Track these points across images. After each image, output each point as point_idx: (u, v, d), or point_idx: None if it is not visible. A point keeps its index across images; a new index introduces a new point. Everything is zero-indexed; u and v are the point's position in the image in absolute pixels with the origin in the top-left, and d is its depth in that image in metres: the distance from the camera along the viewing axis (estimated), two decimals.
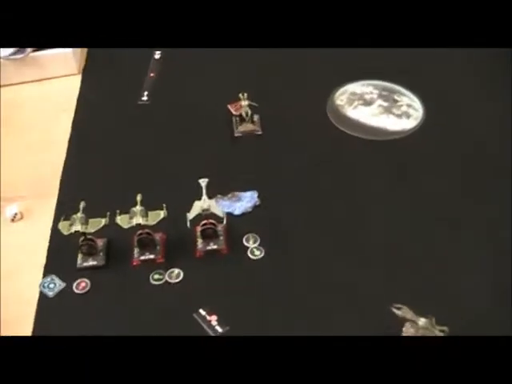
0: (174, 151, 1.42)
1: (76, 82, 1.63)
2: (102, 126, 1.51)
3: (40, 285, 1.17)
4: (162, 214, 1.19)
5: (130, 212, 1.18)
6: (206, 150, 1.41)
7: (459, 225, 1.24)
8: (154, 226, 1.19)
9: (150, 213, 1.18)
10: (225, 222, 1.20)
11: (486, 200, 1.28)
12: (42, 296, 1.16)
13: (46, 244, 1.24)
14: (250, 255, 1.21)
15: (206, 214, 1.18)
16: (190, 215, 1.18)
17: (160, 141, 1.45)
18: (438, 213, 1.26)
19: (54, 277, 1.18)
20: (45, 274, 1.19)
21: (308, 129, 1.45)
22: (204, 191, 1.18)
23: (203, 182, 1.19)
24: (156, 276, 1.18)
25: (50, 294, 1.16)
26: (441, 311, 1.04)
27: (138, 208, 1.17)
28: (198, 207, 1.18)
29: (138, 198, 1.18)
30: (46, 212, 1.29)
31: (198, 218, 1.19)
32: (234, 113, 1.46)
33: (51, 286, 1.17)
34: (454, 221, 1.24)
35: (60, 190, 1.34)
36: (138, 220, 1.16)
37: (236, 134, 1.44)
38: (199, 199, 1.18)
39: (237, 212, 1.28)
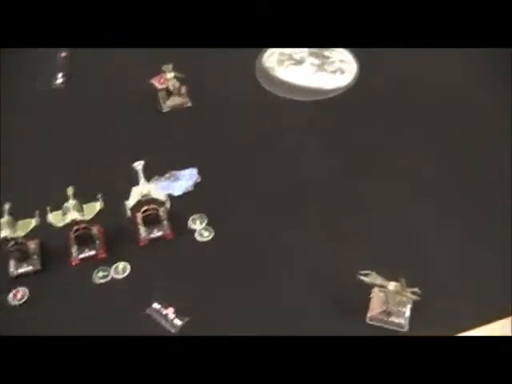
0: (100, 136, 1.31)
1: None
2: (18, 116, 1.37)
3: None
4: (98, 205, 1.09)
5: (63, 208, 1.07)
6: (134, 130, 1.31)
7: (415, 184, 1.19)
8: (90, 220, 1.09)
9: (84, 206, 1.08)
10: (168, 205, 1.11)
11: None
12: None
13: None
14: (198, 237, 1.12)
15: (146, 200, 1.09)
16: (130, 203, 1.08)
17: (83, 127, 1.33)
18: (385, 168, 1.21)
19: None
20: None
21: (240, 96, 1.36)
22: (141, 175, 1.09)
23: (138, 165, 1.10)
24: (100, 273, 1.08)
25: None
26: (410, 274, 0.99)
27: (71, 202, 1.07)
28: (137, 193, 1.08)
29: (70, 191, 1.07)
30: None
31: (138, 204, 1.10)
32: (159, 87, 1.35)
33: None
34: (407, 177, 1.20)
35: None
36: (73, 216, 1.06)
37: (164, 110, 1.34)
38: (137, 184, 1.09)
39: (177, 192, 1.19)
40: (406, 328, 0.99)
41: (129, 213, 1.08)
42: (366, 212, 1.15)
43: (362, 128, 1.28)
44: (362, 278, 0.99)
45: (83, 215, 1.07)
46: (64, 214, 1.07)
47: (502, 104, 1.23)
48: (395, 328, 0.99)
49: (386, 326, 1.00)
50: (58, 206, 1.08)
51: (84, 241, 1.10)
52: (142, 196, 1.07)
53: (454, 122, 1.26)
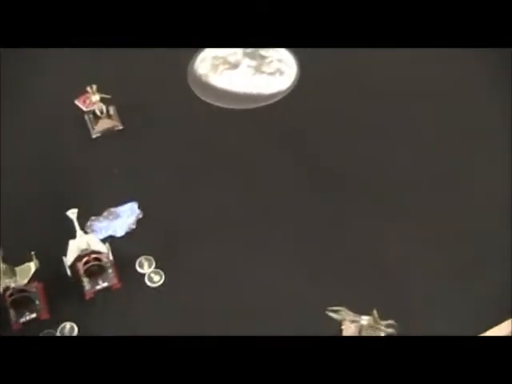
0: (21, 174, 1.16)
1: None
2: None
3: None
4: (32, 265, 0.98)
5: None
6: (61, 163, 1.18)
7: (377, 196, 1.11)
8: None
9: (17, 269, 0.97)
10: (111, 257, 1.01)
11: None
12: None
13: None
14: (148, 283, 1.03)
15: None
16: (68, 260, 0.98)
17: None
18: (345, 180, 1.13)
19: None
20: None
21: (175, 110, 1.25)
22: (77, 226, 0.98)
23: (72, 213, 0.99)
24: None
25: None
26: (382, 306, 0.92)
27: (1, 266, 0.95)
28: (74, 248, 0.97)
29: None
30: None
31: (78, 258, 0.99)
32: (84, 109, 1.23)
33: None
34: (366, 188, 1.12)
35: None
36: (5, 283, 0.95)
37: (94, 135, 1.22)
38: (73, 237, 0.98)
39: (119, 233, 1.08)
40: None
41: (69, 271, 0.98)
42: (334, 234, 1.07)
43: (316, 136, 1.19)
44: (331, 314, 0.92)
45: (16, 280, 0.95)
46: None
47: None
48: None
49: None
50: None
51: (22, 304, 0.99)
52: (81, 251, 0.97)
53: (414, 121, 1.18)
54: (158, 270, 1.03)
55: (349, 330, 0.94)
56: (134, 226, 1.09)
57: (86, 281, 1.02)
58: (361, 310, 0.92)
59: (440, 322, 0.95)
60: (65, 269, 1.00)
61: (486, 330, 0.93)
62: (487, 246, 1.03)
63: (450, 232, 1.05)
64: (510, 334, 0.93)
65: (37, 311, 1.00)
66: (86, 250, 0.97)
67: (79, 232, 0.97)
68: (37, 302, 1.00)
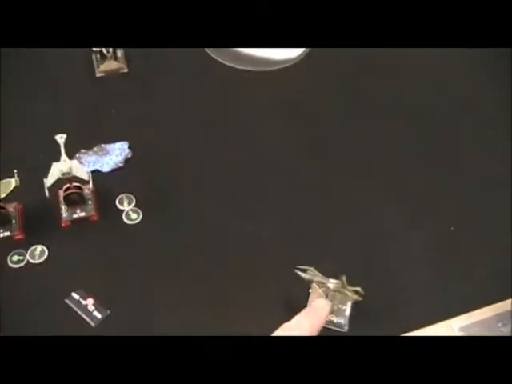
0: (19, 100, 1.16)
1: None
2: None
3: None
4: (13, 182, 0.98)
5: None
6: (62, 96, 1.18)
7: (365, 168, 1.11)
8: (5, 198, 0.98)
9: None
10: (91, 185, 1.01)
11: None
12: None
13: None
14: (125, 219, 1.03)
15: (67, 178, 0.99)
16: (48, 181, 0.97)
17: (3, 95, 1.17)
18: (341, 152, 1.12)
19: None
20: None
21: (183, 63, 1.24)
22: (63, 150, 0.98)
23: (61, 138, 0.98)
24: (15, 257, 0.98)
25: None
26: (352, 272, 0.92)
27: None
28: (56, 171, 0.97)
29: None
30: None
31: (60, 182, 0.99)
32: (93, 48, 1.23)
33: None
34: (360, 162, 1.12)
35: None
36: None
37: (98, 75, 1.22)
38: (58, 160, 0.98)
39: (106, 169, 1.08)
40: (346, 328, 0.92)
41: (47, 193, 0.98)
42: (322, 199, 1.07)
43: (331, 103, 1.19)
44: (300, 273, 0.92)
45: None
46: None
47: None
48: (334, 328, 0.92)
49: (325, 326, 0.92)
50: None
51: None
52: (63, 174, 0.97)
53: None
54: (137, 209, 1.03)
55: (315, 292, 0.94)
56: (121, 164, 1.09)
57: (64, 208, 1.02)
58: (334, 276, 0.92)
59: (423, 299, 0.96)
60: (44, 193, 1.00)
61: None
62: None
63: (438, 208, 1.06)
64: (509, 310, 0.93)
65: (12, 230, 1.00)
66: (68, 173, 0.97)
67: (64, 157, 0.97)
68: (13, 222, 1.01)
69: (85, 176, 0.98)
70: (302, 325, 0.64)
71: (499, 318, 0.96)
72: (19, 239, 1.00)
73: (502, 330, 0.95)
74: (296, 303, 0.91)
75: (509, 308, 0.96)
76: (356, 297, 0.91)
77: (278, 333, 0.62)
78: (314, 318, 0.65)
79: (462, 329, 0.94)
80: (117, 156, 1.09)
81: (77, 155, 1.09)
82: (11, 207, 1.01)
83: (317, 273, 0.91)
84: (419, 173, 1.10)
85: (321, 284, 0.91)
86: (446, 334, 0.93)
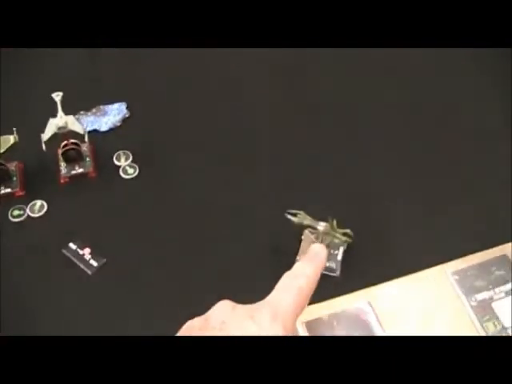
0: (19, 61, 1.18)
1: None
2: None
3: None
4: (11, 138, 1.01)
5: None
6: (60, 58, 1.20)
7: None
8: (4, 153, 1.01)
9: None
10: (86, 139, 1.03)
11: None
12: None
13: None
14: (122, 174, 1.05)
15: (64, 133, 1.01)
16: (45, 136, 1.00)
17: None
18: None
19: None
20: None
21: None
22: (59, 107, 1.01)
23: (57, 96, 1.01)
24: (16, 212, 1.01)
25: None
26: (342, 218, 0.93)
27: None
28: (52, 126, 1.00)
29: None
30: None
31: (56, 138, 1.02)
32: None
33: None
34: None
35: None
36: None
37: None
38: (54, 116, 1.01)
39: (104, 128, 1.11)
40: (338, 272, 0.93)
41: (44, 147, 1.00)
42: (315, 150, 1.08)
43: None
44: (290, 217, 0.93)
45: None
46: None
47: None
48: (326, 272, 0.93)
49: None
50: None
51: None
52: (59, 128, 1.00)
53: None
54: (134, 164, 1.06)
55: (308, 240, 0.95)
56: (118, 124, 1.11)
57: (62, 165, 1.05)
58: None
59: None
60: (42, 151, 1.02)
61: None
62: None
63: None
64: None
65: (12, 187, 1.03)
66: (64, 128, 0.99)
67: (60, 113, 1.00)
68: (14, 179, 1.04)
69: (80, 130, 1.01)
70: (305, 271, 0.64)
71: (493, 262, 0.96)
72: (20, 196, 1.03)
73: (496, 274, 0.95)
74: (285, 248, 0.93)
75: (503, 253, 0.96)
76: (345, 238, 0.92)
77: (283, 281, 0.63)
78: (316, 264, 0.66)
79: (455, 273, 0.94)
80: (114, 116, 1.12)
81: (76, 116, 1.11)
82: (12, 166, 1.04)
83: (307, 216, 0.92)
84: (409, 121, 1.10)
85: (311, 228, 0.92)
86: (439, 278, 0.93)
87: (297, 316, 0.61)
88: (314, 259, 0.66)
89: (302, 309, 0.63)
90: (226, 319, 0.57)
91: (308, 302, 0.64)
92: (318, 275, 0.66)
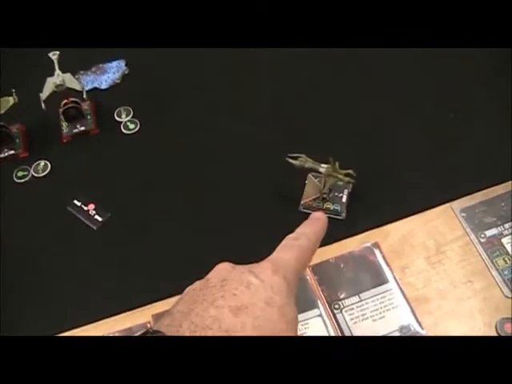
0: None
1: None
2: None
3: None
4: (11, 100, 1.01)
5: None
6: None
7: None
8: (5, 115, 1.01)
9: None
10: (85, 95, 1.03)
11: None
12: None
13: None
14: (123, 130, 1.05)
15: (62, 91, 1.01)
16: (43, 95, 1.00)
17: None
18: None
19: None
20: None
21: None
22: (56, 66, 1.00)
23: (54, 55, 1.01)
24: (20, 173, 1.01)
25: None
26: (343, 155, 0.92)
27: None
28: (50, 84, 1.00)
29: None
30: None
31: (55, 96, 1.01)
32: None
33: None
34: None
35: None
36: None
37: None
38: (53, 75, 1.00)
39: (104, 86, 1.10)
40: (343, 215, 0.92)
41: (43, 106, 1.00)
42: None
43: None
44: (291, 161, 0.92)
45: None
46: None
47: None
48: (331, 215, 0.92)
49: None
50: None
51: (2, 140, 1.03)
52: (56, 86, 0.99)
53: None
54: (135, 120, 1.05)
55: (311, 184, 0.94)
56: (118, 81, 1.11)
57: (64, 125, 1.05)
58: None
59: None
60: (45, 112, 1.02)
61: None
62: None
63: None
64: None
65: (15, 149, 1.03)
66: (62, 85, 0.99)
67: (57, 71, 0.99)
68: (17, 141, 1.04)
69: (78, 87, 1.01)
70: (307, 235, 0.65)
71: (502, 198, 0.95)
72: (23, 157, 1.03)
73: (505, 210, 0.93)
74: (289, 193, 0.93)
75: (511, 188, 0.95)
76: (348, 179, 0.90)
77: (284, 242, 0.63)
78: (316, 226, 0.66)
79: (463, 210, 0.93)
80: (114, 73, 1.11)
81: (76, 76, 1.11)
82: (15, 128, 1.05)
83: (308, 159, 0.91)
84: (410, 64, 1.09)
85: (314, 171, 0.91)
86: (447, 216, 0.92)
87: (298, 272, 0.62)
88: (314, 222, 0.67)
89: (304, 267, 0.64)
90: (226, 277, 0.58)
91: (310, 261, 0.64)
92: (319, 237, 0.67)
